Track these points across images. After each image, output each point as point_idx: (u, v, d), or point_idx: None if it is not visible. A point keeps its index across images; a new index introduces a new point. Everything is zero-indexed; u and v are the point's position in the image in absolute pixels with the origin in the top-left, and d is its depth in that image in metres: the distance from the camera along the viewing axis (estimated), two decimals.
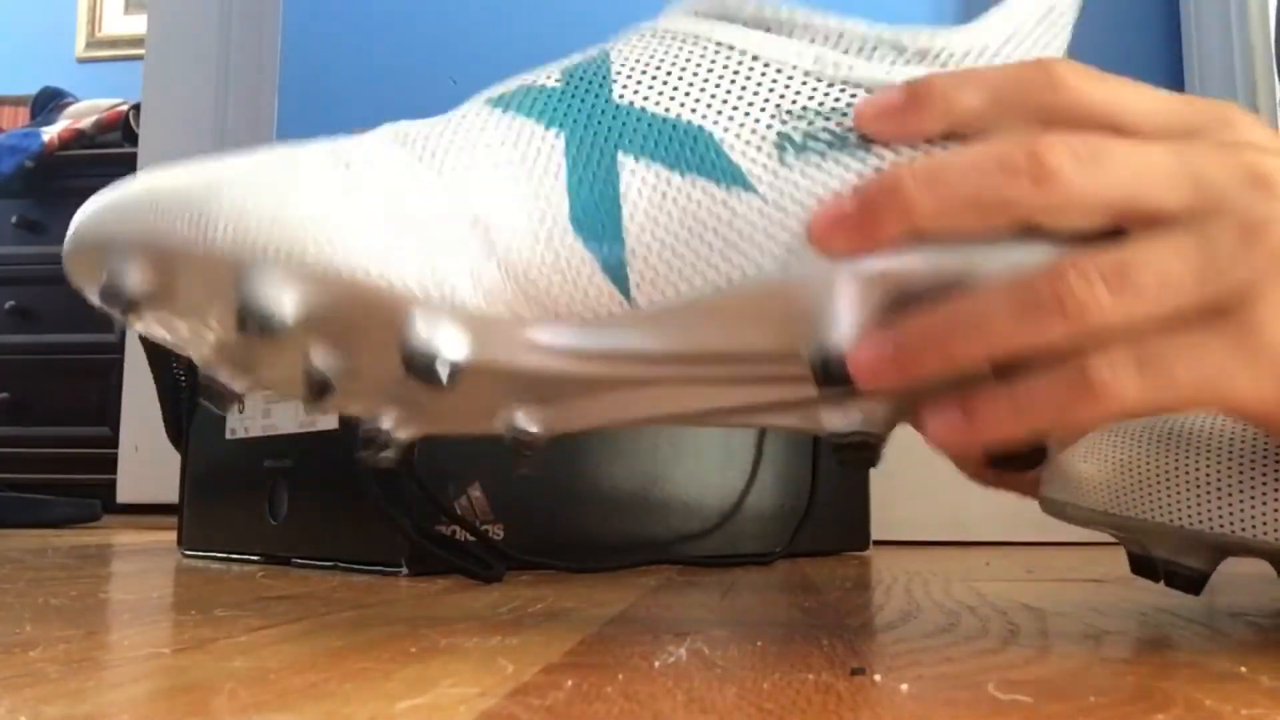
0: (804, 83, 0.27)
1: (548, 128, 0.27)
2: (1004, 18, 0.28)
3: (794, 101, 0.26)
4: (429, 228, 0.26)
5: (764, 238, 0.25)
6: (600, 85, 0.27)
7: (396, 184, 0.26)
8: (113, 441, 1.88)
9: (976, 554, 0.82)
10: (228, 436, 0.70)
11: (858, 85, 0.26)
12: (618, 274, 0.26)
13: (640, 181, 0.26)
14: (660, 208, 0.26)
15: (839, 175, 0.26)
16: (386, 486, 0.53)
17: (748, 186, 0.26)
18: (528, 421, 0.29)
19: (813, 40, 0.27)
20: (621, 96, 0.27)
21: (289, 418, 0.64)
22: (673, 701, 0.22)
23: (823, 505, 0.76)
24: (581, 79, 0.28)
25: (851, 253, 0.25)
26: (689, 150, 0.26)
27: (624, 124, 0.27)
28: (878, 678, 0.24)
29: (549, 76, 0.28)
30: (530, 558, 0.57)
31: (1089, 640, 0.30)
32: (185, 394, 0.76)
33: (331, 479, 0.60)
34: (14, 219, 2.19)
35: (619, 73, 0.28)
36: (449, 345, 0.26)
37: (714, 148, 0.26)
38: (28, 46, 2.75)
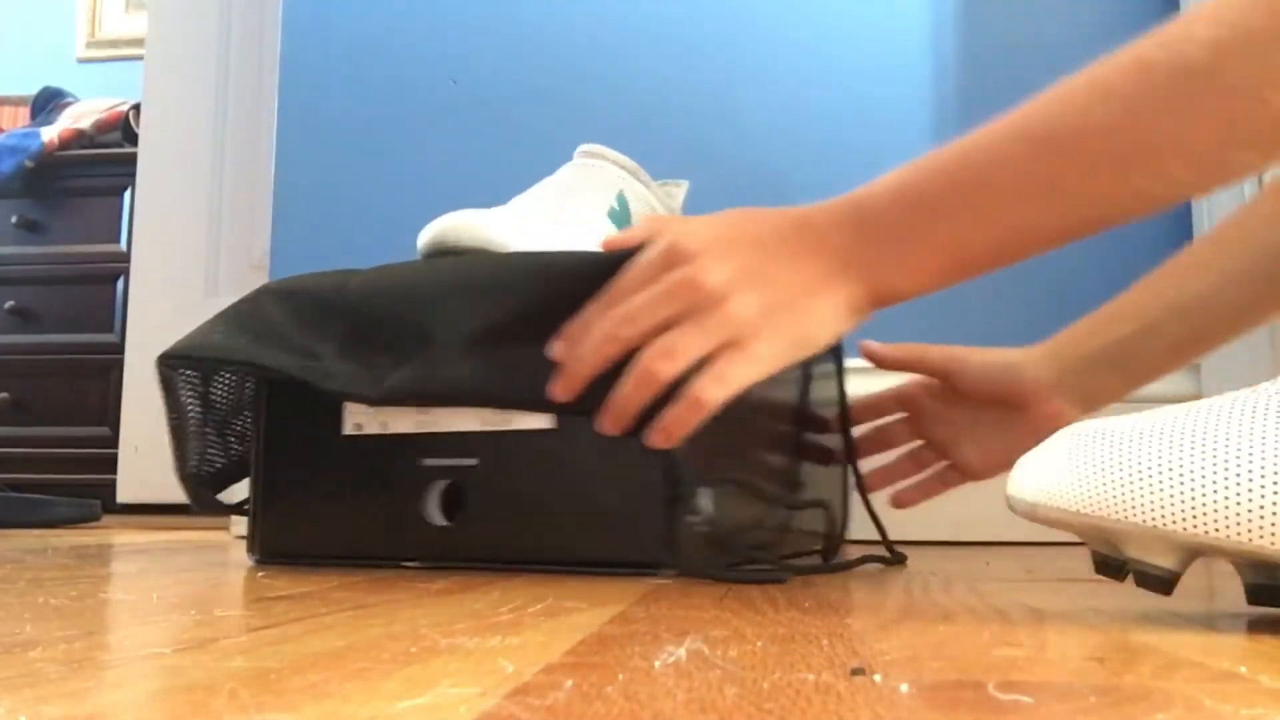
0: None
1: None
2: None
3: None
4: None
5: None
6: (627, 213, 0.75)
7: None
8: (113, 441, 1.88)
9: (976, 554, 0.82)
10: (348, 432, 0.66)
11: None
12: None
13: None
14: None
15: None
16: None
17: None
18: None
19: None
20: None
21: (461, 417, 0.62)
22: (673, 701, 0.22)
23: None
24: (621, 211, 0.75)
25: None
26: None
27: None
28: (878, 678, 0.24)
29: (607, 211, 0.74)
30: (528, 562, 0.57)
31: (1089, 640, 0.30)
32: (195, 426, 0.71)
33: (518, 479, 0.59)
34: (14, 219, 2.19)
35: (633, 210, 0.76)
36: None
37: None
38: (28, 46, 2.75)
